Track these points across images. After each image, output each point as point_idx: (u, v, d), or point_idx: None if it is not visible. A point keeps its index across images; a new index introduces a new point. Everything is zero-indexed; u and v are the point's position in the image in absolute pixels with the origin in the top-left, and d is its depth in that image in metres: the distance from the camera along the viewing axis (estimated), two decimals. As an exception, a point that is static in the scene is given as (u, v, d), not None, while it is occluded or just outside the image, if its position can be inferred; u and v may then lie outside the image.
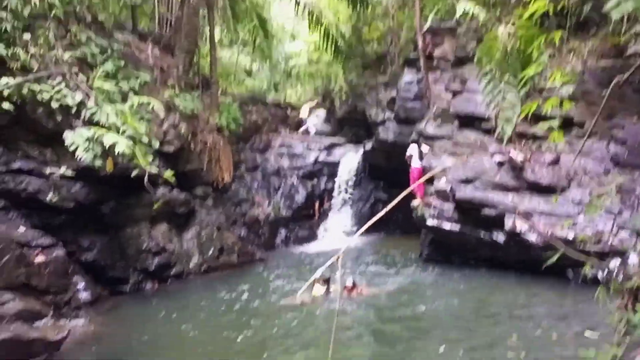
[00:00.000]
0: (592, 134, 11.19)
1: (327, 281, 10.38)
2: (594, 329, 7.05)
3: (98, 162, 9.66)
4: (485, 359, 6.66)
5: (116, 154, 9.67)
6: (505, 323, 8.12)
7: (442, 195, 12.23)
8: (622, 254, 8.61)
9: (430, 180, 12.40)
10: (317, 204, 17.87)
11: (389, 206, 4.64)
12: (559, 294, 9.48)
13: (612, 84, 4.10)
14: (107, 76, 11.15)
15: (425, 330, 8.08)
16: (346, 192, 18.05)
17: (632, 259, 8.03)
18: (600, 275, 8.65)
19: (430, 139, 13.31)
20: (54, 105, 9.74)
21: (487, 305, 9.27)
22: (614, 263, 8.46)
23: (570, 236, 9.59)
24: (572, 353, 6.34)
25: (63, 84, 10.06)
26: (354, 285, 9.58)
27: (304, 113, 20.82)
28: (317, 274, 4.84)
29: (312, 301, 9.62)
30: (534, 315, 8.44)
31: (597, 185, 10.27)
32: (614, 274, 7.57)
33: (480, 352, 6.92)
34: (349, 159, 18.20)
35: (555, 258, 3.66)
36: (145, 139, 10.27)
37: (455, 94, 13.68)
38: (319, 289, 10.14)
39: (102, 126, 9.85)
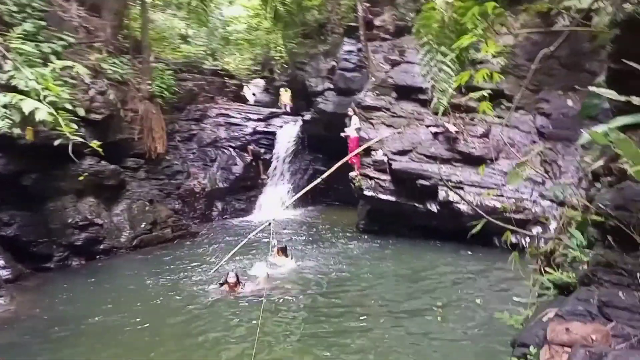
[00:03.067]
0: (520, 107, 11.66)
1: (284, 250, 10.34)
2: (520, 294, 7.42)
3: (16, 131, 8.94)
4: (409, 326, 6.86)
5: (36, 121, 8.98)
6: (434, 289, 8.43)
7: (379, 166, 12.40)
8: (544, 221, 9.13)
9: (368, 152, 12.51)
10: (260, 166, 17.60)
11: (324, 175, 4.61)
12: (486, 260, 9.94)
13: (537, 57, 4.20)
14: (26, 37, 10.26)
15: (352, 299, 8.22)
16: (284, 163, 17.91)
17: (553, 226, 8.51)
18: (522, 242, 9.13)
19: (368, 110, 13.35)
20: (-36, 68, 8.88)
21: (418, 273, 9.56)
22: (536, 230, 8.96)
23: (497, 205, 10.05)
24: (493, 316, 6.65)
25: (-26, 45, 9.16)
26: (238, 281, 8.68)
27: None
28: (245, 242, 4.81)
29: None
30: (462, 282, 8.82)
31: (523, 156, 10.77)
32: (536, 240, 7.99)
33: (405, 319, 7.11)
34: (287, 130, 18.02)
35: (478, 228, 3.76)
36: (68, 106, 9.59)
37: (394, 64, 13.75)
38: (281, 259, 10.10)
39: (21, 91, 9.08)
